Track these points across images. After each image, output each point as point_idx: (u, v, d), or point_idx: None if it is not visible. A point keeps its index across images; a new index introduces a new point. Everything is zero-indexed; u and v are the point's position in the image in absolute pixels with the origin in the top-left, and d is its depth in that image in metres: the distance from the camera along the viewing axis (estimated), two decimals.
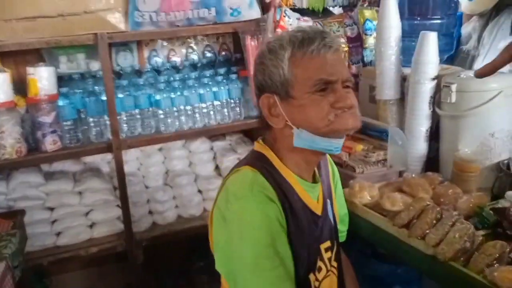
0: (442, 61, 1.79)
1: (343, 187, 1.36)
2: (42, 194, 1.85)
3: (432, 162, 1.64)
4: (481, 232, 1.21)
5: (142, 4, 1.77)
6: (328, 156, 1.23)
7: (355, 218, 1.42)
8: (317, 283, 1.05)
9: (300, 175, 1.05)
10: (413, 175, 1.49)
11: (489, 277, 1.04)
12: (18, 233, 1.51)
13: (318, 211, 1.08)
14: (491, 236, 1.20)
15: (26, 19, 1.68)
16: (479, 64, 2.63)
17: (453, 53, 2.97)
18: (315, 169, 1.12)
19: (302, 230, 1.01)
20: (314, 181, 1.10)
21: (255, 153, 1.07)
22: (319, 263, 1.06)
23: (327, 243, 1.09)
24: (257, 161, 1.03)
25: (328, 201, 1.15)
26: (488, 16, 2.76)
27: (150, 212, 2.05)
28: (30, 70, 1.73)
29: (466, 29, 2.88)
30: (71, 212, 1.90)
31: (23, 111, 1.81)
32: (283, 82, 0.98)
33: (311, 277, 1.03)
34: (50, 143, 1.78)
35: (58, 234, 1.90)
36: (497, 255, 1.08)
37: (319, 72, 0.96)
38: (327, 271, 1.08)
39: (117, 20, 1.76)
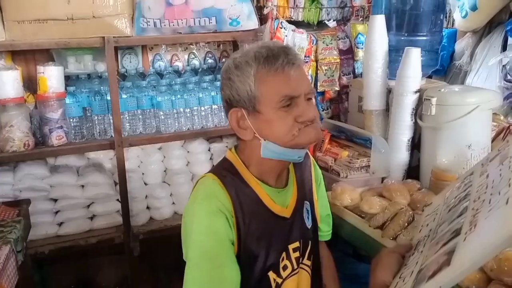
0: (426, 75, 1.88)
1: (327, 190, 1.45)
2: (46, 185, 1.95)
3: (415, 171, 1.73)
4: None
5: (147, 11, 1.88)
6: (311, 159, 1.32)
7: (336, 219, 1.51)
8: (279, 280, 1.12)
9: (265, 181, 1.12)
10: (393, 182, 1.58)
11: None
12: (23, 220, 1.60)
13: (286, 214, 1.14)
14: None
15: (37, 21, 1.79)
16: (470, 79, 2.73)
17: (446, 67, 3.07)
18: (290, 174, 1.20)
19: (261, 233, 1.08)
20: (285, 185, 1.17)
21: (224, 161, 1.15)
22: (285, 262, 1.13)
23: (296, 244, 1.16)
24: (222, 169, 1.11)
25: (307, 203, 1.23)
26: (481, 33, 2.86)
27: (148, 208, 2.15)
28: (40, 68, 1.84)
29: (460, 45, 2.98)
30: (73, 204, 2.00)
31: (32, 107, 1.93)
32: (250, 98, 1.03)
33: (270, 274, 1.10)
34: (56, 138, 1.89)
35: (60, 224, 2.01)
36: None
37: (283, 88, 1.02)
38: (293, 269, 1.15)
39: (123, 25, 1.88)
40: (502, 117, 2.07)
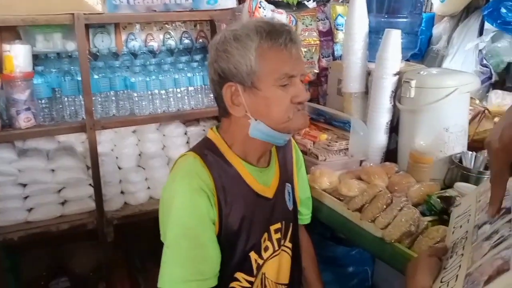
0: (405, 58, 1.86)
1: (307, 174, 1.43)
2: (14, 170, 1.87)
3: (392, 154, 1.72)
4: (428, 218, 1.29)
5: None
6: (293, 141, 1.29)
7: (314, 202, 1.50)
8: (260, 261, 1.11)
9: (248, 161, 1.10)
10: (371, 164, 1.58)
11: None
12: None
13: (268, 194, 1.12)
14: (438, 222, 1.28)
15: None
16: (447, 63, 2.75)
17: (423, 51, 3.08)
18: (272, 154, 1.18)
19: (243, 213, 1.06)
20: (267, 165, 1.15)
21: (206, 140, 1.12)
22: (266, 243, 1.12)
23: (277, 225, 1.14)
24: (204, 148, 1.08)
25: (288, 185, 1.21)
26: (458, 18, 2.87)
27: (122, 192, 2.09)
28: (6, 47, 1.75)
29: (437, 29, 2.99)
30: (44, 189, 1.92)
31: None
32: (249, 72, 0.99)
33: (252, 255, 1.09)
34: (24, 120, 1.80)
35: (30, 210, 1.93)
36: (439, 238, 1.16)
37: (284, 66, 0.99)
38: (274, 250, 1.14)
39: (94, 1, 1.79)
40: (477, 101, 2.09)
